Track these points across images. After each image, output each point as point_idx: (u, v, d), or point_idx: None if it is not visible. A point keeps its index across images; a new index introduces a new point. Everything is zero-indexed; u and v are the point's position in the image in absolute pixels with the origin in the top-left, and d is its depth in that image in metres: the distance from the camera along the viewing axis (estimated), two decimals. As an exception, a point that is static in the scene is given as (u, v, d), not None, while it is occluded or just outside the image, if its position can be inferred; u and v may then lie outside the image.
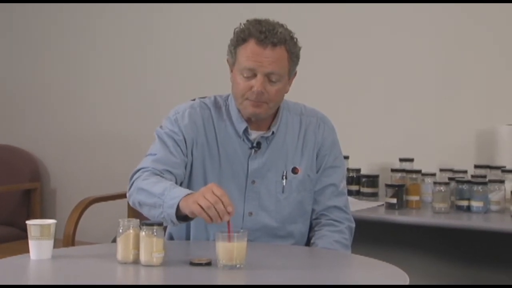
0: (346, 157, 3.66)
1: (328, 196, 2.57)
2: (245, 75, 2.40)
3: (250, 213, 2.49)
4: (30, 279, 2.13)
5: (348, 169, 3.64)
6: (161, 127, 2.52)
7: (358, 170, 3.65)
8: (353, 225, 2.61)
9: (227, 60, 2.49)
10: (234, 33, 2.44)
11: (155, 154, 2.45)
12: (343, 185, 2.60)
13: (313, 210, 2.58)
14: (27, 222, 2.23)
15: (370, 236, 3.48)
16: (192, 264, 2.14)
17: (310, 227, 2.59)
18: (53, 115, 4.85)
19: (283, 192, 2.51)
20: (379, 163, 3.77)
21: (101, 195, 3.94)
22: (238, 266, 2.10)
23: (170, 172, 2.43)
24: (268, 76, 2.39)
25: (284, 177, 2.52)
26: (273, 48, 2.38)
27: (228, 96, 2.55)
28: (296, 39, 2.46)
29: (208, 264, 2.14)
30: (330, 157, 2.57)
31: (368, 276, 2.15)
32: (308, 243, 2.58)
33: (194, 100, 2.59)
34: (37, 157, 4.84)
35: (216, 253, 2.11)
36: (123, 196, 4.00)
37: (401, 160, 3.59)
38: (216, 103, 2.54)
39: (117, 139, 4.63)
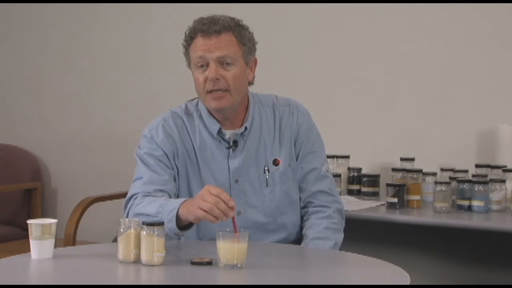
0: (347, 157, 3.67)
1: (312, 182, 2.57)
2: (198, 65, 2.44)
3: (239, 212, 2.48)
4: (31, 278, 2.13)
5: (349, 169, 3.65)
6: (139, 147, 2.54)
7: (359, 170, 3.65)
8: (341, 206, 2.60)
9: (187, 67, 2.53)
10: (184, 36, 2.49)
11: (142, 178, 2.47)
12: (324, 168, 2.59)
13: (299, 198, 2.58)
14: (28, 221, 2.23)
15: (370, 236, 3.48)
16: (193, 263, 2.14)
17: (301, 217, 2.60)
18: (54, 115, 4.85)
19: (267, 185, 2.52)
20: (380, 162, 3.77)
21: (102, 195, 3.94)
22: (239, 265, 2.10)
23: (161, 191, 2.45)
24: (220, 62, 2.42)
25: (266, 170, 2.52)
26: (218, 36, 2.43)
27: (198, 101, 2.57)
28: (247, 26, 2.49)
29: (209, 263, 2.14)
30: (308, 143, 2.57)
31: (369, 276, 2.14)
32: (301, 233, 2.58)
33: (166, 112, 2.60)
34: (38, 156, 4.84)
35: (217, 253, 2.11)
36: (124, 195, 3.96)
37: (402, 159, 3.59)
38: (187, 110, 2.57)
39: (117, 139, 4.63)
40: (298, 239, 2.58)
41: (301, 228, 2.59)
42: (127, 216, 2.42)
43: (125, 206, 2.45)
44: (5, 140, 4.87)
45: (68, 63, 4.80)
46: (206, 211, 2.17)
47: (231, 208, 2.17)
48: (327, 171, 2.61)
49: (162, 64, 4.48)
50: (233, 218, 2.17)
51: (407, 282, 2.03)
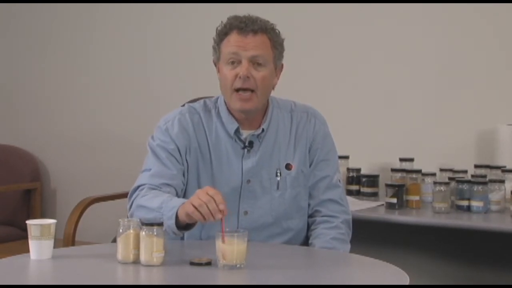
0: (346, 157, 3.67)
1: (322, 190, 2.57)
2: (230, 61, 2.44)
3: (246, 212, 2.50)
4: (30, 279, 2.13)
5: (348, 169, 3.65)
6: (152, 138, 2.53)
7: (358, 170, 3.66)
8: (349, 217, 2.60)
9: (213, 61, 2.53)
10: (216, 31, 2.49)
11: (150, 169, 2.47)
12: (336, 177, 2.60)
13: (308, 205, 2.58)
14: (27, 222, 2.23)
15: (370, 236, 3.48)
16: (192, 264, 2.14)
17: (307, 225, 2.59)
18: (53, 115, 4.85)
19: (277, 189, 2.52)
20: (379, 163, 3.77)
21: (101, 195, 3.94)
22: (238, 266, 2.10)
23: (168, 185, 2.44)
24: (252, 61, 2.43)
25: (278, 174, 2.52)
26: (254, 35, 2.44)
27: (217, 98, 2.57)
28: (278, 31, 2.50)
29: (208, 264, 2.14)
30: (322, 151, 2.58)
31: (368, 276, 2.15)
32: (307, 239, 2.57)
33: (183, 106, 2.61)
34: (37, 157, 4.84)
35: (216, 253, 2.11)
36: (123, 196, 4.00)
37: (401, 160, 3.59)
38: (205, 106, 2.56)
39: (117, 139, 4.63)
40: (301, 245, 2.57)
41: (307, 234, 2.58)
42: (130, 206, 2.43)
43: (130, 196, 2.45)
44: (4, 141, 4.87)
45: (68, 64, 4.80)
46: (195, 207, 2.17)
47: (221, 211, 2.16)
48: (339, 180, 2.61)
49: (162, 64, 4.48)
50: (222, 221, 2.16)
51: (406, 282, 2.03)
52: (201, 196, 2.18)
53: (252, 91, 2.44)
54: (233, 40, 2.44)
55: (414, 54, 3.82)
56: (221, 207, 2.16)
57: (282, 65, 2.55)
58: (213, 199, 2.16)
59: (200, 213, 2.17)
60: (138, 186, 2.45)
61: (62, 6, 4.76)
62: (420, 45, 3.80)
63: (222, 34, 2.46)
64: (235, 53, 2.43)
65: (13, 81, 5.00)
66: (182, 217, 2.25)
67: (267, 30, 2.46)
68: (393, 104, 3.86)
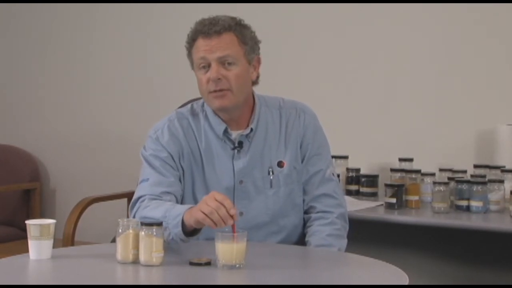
0: (346, 157, 3.67)
1: (316, 185, 2.57)
2: (200, 66, 2.45)
3: (241, 213, 2.49)
4: (29, 279, 2.13)
5: (347, 169, 3.65)
6: (144, 148, 2.54)
7: (358, 170, 3.65)
8: (345, 210, 2.60)
9: (192, 68, 2.53)
10: (187, 39, 2.50)
11: (148, 179, 2.47)
12: (329, 171, 2.59)
13: (303, 201, 2.58)
14: (27, 222, 2.23)
15: (369, 236, 3.48)
16: (192, 264, 2.15)
17: (303, 222, 2.59)
18: (53, 115, 4.85)
19: (271, 187, 2.52)
20: (378, 163, 3.77)
21: (101, 195, 3.94)
22: (237, 266, 2.10)
23: (168, 193, 2.45)
24: (221, 62, 2.43)
25: (270, 172, 2.52)
26: (219, 36, 2.43)
27: (204, 101, 2.57)
28: (249, 25, 2.50)
29: (208, 264, 2.14)
30: (313, 145, 2.57)
31: (367, 276, 2.15)
32: (303, 236, 2.57)
33: (171, 113, 2.61)
34: (36, 157, 4.84)
35: (216, 253, 2.12)
36: (122, 196, 4.01)
37: (401, 160, 3.59)
38: (193, 111, 2.57)
39: (117, 139, 4.63)
40: (298, 241, 2.58)
41: (303, 231, 2.58)
42: (133, 218, 2.42)
43: (132, 208, 2.45)
44: (4, 141, 4.87)
45: (68, 64, 4.80)
46: (206, 214, 2.17)
47: (232, 216, 2.16)
48: (332, 174, 2.61)
49: (162, 64, 4.48)
50: (232, 226, 2.17)
51: (406, 282, 2.03)
52: (210, 202, 2.17)
53: (227, 90, 2.43)
54: (199, 45, 2.44)
55: (414, 54, 3.82)
56: (232, 212, 2.16)
57: (259, 58, 2.53)
58: (223, 205, 2.16)
59: (212, 220, 2.16)
60: (139, 198, 2.45)
61: (62, 6, 4.76)
62: (420, 45, 3.80)
63: (191, 40, 2.48)
64: (203, 57, 2.43)
65: (13, 81, 5.00)
66: (190, 223, 2.25)
67: (232, 28, 2.45)
68: (393, 104, 3.86)
